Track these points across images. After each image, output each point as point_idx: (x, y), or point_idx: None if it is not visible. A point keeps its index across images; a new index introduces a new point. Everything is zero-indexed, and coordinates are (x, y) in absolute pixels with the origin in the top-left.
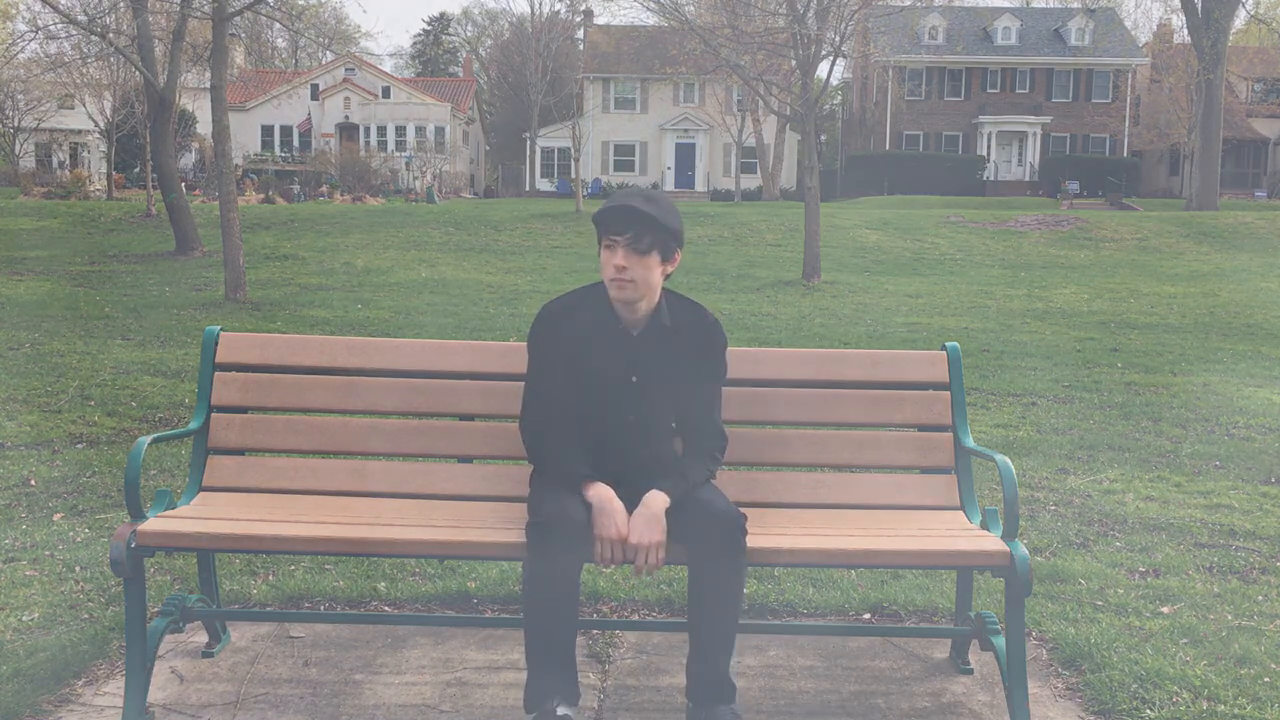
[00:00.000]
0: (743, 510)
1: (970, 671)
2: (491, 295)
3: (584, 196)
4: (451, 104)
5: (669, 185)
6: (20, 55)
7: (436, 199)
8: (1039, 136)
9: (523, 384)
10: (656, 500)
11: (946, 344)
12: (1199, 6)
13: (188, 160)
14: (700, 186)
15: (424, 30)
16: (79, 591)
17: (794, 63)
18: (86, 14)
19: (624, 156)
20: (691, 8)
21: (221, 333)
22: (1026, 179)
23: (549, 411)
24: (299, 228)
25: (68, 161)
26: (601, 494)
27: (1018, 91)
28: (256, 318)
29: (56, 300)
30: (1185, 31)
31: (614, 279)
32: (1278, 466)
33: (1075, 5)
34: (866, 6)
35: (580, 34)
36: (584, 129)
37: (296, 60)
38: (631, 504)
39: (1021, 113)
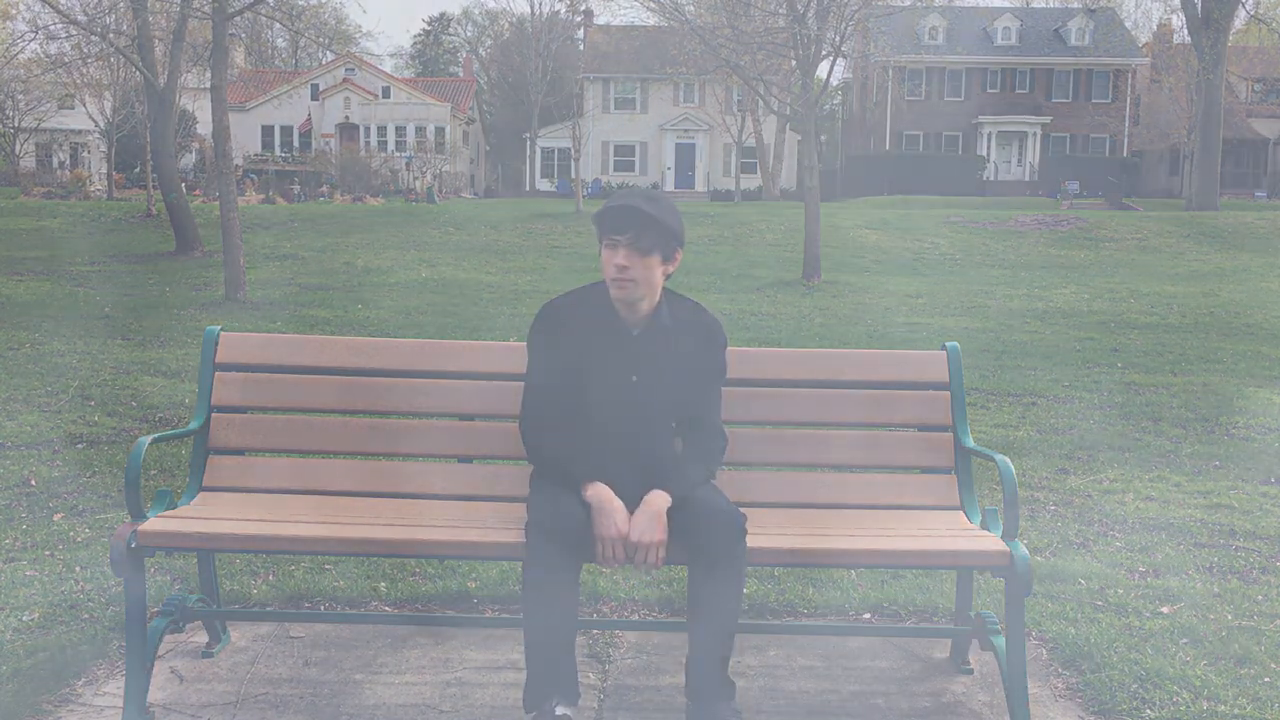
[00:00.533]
0: (743, 510)
1: (970, 671)
2: (491, 295)
3: (584, 196)
4: (451, 104)
5: (669, 185)
6: (20, 55)
7: (436, 199)
8: (1039, 136)
9: (522, 384)
10: (658, 499)
11: (946, 344)
12: (1199, 6)
13: (188, 160)
14: (700, 186)
15: (424, 30)
16: (79, 591)
17: (794, 63)
18: (86, 14)
19: (624, 156)
20: (691, 8)
21: (221, 333)
22: (1026, 179)
23: (549, 411)
24: (299, 228)
25: (68, 161)
26: (601, 493)
27: (1018, 91)
28: (256, 318)
29: (56, 300)
30: (1185, 31)
31: (615, 278)
32: (1278, 466)
33: (1075, 5)
34: (866, 6)
35: (580, 34)
36: (584, 129)
37: (296, 60)
38: (631, 504)
39: (1021, 113)
